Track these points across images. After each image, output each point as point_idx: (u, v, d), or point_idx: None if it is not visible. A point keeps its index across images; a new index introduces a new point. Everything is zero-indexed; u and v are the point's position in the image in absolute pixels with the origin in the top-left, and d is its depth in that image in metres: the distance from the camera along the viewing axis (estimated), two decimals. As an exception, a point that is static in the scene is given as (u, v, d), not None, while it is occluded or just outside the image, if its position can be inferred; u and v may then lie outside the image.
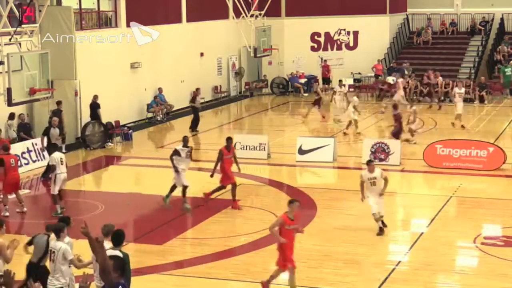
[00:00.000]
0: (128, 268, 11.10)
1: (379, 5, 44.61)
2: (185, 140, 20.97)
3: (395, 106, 28.11)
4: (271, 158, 26.50)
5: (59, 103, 28.00)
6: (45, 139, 24.52)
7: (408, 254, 17.03)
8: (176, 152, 20.58)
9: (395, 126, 27.56)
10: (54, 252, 12.39)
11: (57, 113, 27.64)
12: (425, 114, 34.07)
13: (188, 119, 33.89)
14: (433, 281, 15.48)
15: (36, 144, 25.92)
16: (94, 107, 29.48)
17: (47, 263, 12.70)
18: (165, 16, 36.24)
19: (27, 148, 25.64)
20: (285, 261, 14.08)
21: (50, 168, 22.25)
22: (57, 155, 20.38)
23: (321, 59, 43.69)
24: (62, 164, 20.17)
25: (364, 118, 34.10)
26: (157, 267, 16.06)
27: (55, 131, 24.18)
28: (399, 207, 21.52)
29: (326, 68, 42.66)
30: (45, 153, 25.99)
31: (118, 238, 11.61)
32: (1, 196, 20.64)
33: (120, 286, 8.92)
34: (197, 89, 33.71)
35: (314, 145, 26.33)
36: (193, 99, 33.13)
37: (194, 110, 33.00)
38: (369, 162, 18.61)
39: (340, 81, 36.48)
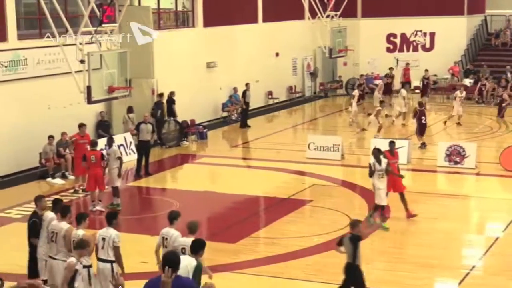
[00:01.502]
0: (198, 277, 11.20)
1: (456, 6, 44.01)
2: (378, 152, 19.08)
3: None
4: (345, 159, 26.47)
5: (161, 95, 29.32)
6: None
7: (483, 258, 16.82)
8: (373, 169, 18.85)
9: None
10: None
11: (159, 105, 29.08)
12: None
13: (262, 119, 34.15)
14: (509, 287, 15.26)
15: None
16: (169, 102, 30.07)
17: None
18: (241, 16, 36.49)
19: (105, 145, 26.14)
20: None
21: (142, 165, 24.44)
22: (116, 148, 21.49)
23: (397, 60, 43.39)
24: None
25: (438, 121, 33.72)
26: (230, 265, 16.21)
27: (146, 127, 24.56)
28: (474, 211, 21.29)
29: (407, 72, 41.94)
30: (123, 150, 26.58)
31: (196, 246, 11.64)
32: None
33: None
34: (247, 84, 33.80)
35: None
36: (243, 94, 33.37)
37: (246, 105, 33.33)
38: None
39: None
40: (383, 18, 43.48)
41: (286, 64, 40.50)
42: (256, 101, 36.35)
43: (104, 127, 27.37)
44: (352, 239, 13.33)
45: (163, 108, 29.47)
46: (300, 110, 39.38)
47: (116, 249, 12.80)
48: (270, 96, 38.86)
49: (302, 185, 23.31)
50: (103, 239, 12.87)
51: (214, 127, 33.20)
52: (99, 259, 12.90)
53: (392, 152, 19.71)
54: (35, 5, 25.37)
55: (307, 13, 37.59)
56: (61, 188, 23.23)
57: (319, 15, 36.01)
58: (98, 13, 22.40)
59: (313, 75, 42.46)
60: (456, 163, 24.97)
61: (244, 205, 21.35)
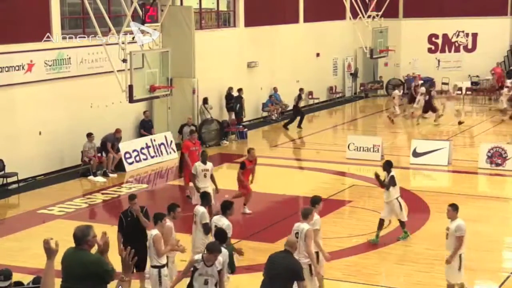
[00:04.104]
0: (232, 262, 11.83)
1: (500, 6, 43.57)
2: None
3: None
4: (385, 159, 26.36)
5: (239, 90, 31.39)
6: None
7: (524, 262, 16.69)
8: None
9: None
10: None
11: (238, 99, 31.17)
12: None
13: (304, 119, 34.15)
14: (549, 291, 15.15)
15: (154, 140, 26.71)
16: (228, 98, 31.73)
17: None
18: (283, 16, 36.58)
19: (146, 143, 26.43)
20: None
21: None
22: (199, 165, 19.09)
23: (438, 61, 43.16)
24: (205, 177, 19.00)
25: (480, 122, 33.50)
26: (269, 264, 16.24)
27: (189, 130, 24.69)
28: (515, 214, 21.14)
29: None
30: (164, 149, 26.82)
31: (220, 236, 12.05)
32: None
33: None
34: (301, 89, 34.00)
35: (428, 148, 26.08)
36: (299, 99, 33.44)
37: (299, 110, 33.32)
38: None
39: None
40: (425, 18, 43.26)
41: (327, 64, 40.49)
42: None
43: (146, 126, 27.58)
44: None
45: (242, 102, 31.15)
46: (340, 111, 39.33)
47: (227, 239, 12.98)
48: (310, 96, 38.88)
49: (341, 186, 23.31)
50: (215, 226, 13.24)
51: (254, 126, 33.30)
52: None
53: None
54: (79, 5, 25.71)
55: (348, 13, 37.61)
56: (103, 186, 23.50)
57: (360, 15, 35.99)
58: (140, 12, 22.63)
59: (354, 75, 42.39)
60: (498, 165, 24.79)
61: (283, 205, 21.39)
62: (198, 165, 19.09)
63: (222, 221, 13.29)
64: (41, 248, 7.37)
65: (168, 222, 13.30)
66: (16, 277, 11.20)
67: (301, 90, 34.13)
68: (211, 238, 13.29)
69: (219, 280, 11.07)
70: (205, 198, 14.72)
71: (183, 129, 25.14)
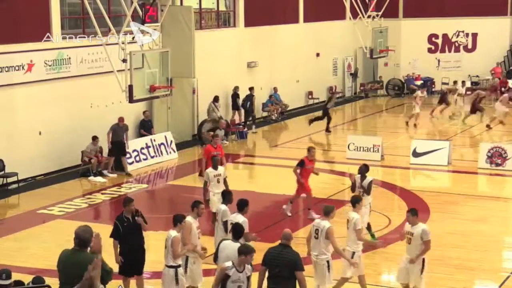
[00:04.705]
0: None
1: (500, 6, 43.57)
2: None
3: None
4: (385, 160, 26.40)
5: (251, 89, 31.98)
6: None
7: (523, 262, 16.69)
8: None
9: None
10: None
11: (249, 97, 31.78)
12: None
13: (302, 119, 34.16)
14: (549, 291, 15.15)
15: (154, 140, 26.69)
16: (234, 97, 32.12)
17: None
18: (283, 16, 36.58)
19: (146, 144, 26.42)
20: None
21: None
22: (211, 171, 18.31)
23: (438, 61, 43.18)
24: (218, 182, 18.31)
25: (480, 122, 33.48)
26: (269, 264, 16.20)
27: (219, 133, 24.57)
28: (514, 214, 21.14)
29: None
30: (164, 149, 26.81)
31: (236, 232, 12.09)
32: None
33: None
34: (333, 93, 34.66)
35: (428, 148, 26.07)
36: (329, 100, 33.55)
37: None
38: None
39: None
40: (425, 18, 43.27)
41: (327, 64, 40.49)
42: (296, 101, 36.39)
43: (146, 126, 27.56)
44: None
45: (253, 100, 31.89)
46: (340, 111, 39.29)
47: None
48: (310, 96, 38.87)
49: (341, 186, 23.29)
50: (231, 223, 13.35)
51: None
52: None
53: None
54: (79, 5, 25.72)
55: (348, 13, 37.60)
56: (103, 186, 23.50)
57: (360, 15, 35.97)
58: (140, 12, 22.63)
59: (354, 75, 42.40)
60: (498, 165, 24.79)
61: (283, 205, 21.37)
62: (210, 171, 18.30)
63: (237, 218, 13.35)
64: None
65: (188, 218, 13.20)
66: (15, 277, 11.18)
67: (332, 92, 34.54)
68: (230, 236, 13.27)
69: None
70: (226, 197, 14.85)
71: (215, 131, 25.08)
